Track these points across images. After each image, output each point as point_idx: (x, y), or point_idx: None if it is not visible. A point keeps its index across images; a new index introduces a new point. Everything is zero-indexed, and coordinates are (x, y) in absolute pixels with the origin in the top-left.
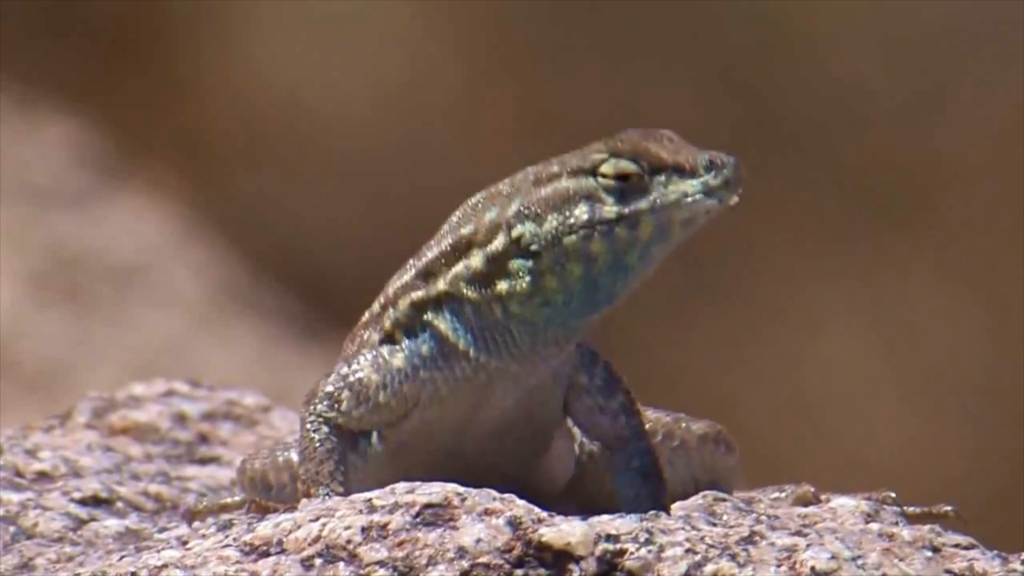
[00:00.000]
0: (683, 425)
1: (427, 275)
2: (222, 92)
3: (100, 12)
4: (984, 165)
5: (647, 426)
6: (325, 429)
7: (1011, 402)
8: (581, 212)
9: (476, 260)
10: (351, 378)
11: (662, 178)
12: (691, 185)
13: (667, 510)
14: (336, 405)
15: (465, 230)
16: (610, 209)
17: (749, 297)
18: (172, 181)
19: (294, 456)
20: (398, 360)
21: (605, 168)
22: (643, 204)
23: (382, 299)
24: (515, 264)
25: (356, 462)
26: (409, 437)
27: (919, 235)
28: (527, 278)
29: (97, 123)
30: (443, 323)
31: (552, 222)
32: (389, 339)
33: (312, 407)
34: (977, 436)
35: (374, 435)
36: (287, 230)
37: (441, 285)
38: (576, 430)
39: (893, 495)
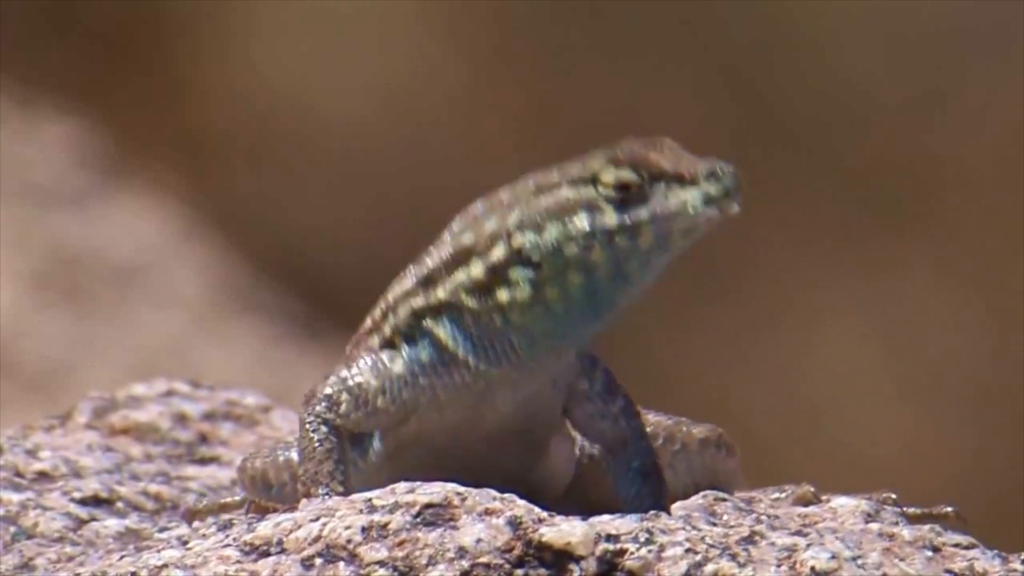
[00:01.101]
0: (684, 429)
1: (427, 283)
2: (222, 92)
3: (100, 12)
4: (984, 165)
5: (647, 429)
6: (324, 429)
7: (1011, 402)
8: (581, 221)
9: (476, 269)
10: (350, 382)
11: (662, 187)
12: (691, 194)
13: (667, 510)
14: (335, 408)
15: (465, 239)
16: (610, 218)
17: (749, 297)
18: (172, 181)
19: (295, 455)
20: (398, 366)
21: (605, 177)
22: (643, 213)
23: (383, 305)
24: (515, 274)
25: (356, 460)
26: (408, 441)
27: (919, 235)
28: (527, 288)
29: (97, 123)
30: (442, 331)
31: (552, 232)
32: (389, 345)
33: (311, 408)
34: (977, 436)
35: (374, 437)
36: (287, 230)
37: (441, 294)
38: (576, 433)
39: (893, 496)
